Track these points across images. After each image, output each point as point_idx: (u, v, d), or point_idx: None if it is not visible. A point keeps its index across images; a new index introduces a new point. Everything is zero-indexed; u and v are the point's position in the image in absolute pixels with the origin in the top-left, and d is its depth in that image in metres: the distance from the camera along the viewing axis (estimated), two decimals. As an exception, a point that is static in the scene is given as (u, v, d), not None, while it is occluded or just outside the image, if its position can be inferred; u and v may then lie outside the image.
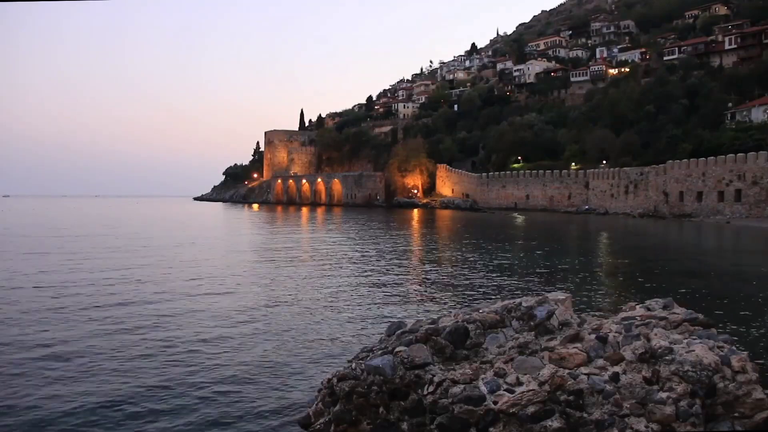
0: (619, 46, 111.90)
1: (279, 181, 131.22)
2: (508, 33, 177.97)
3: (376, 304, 14.87)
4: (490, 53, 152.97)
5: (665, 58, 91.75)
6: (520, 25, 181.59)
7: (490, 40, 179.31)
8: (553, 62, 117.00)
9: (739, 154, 55.12)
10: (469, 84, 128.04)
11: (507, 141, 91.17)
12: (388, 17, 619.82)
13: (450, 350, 4.94)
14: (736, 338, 5.96)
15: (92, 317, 13.02)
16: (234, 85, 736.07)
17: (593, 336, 4.83)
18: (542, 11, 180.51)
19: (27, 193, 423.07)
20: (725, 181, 55.87)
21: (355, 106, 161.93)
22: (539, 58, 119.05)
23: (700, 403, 4.29)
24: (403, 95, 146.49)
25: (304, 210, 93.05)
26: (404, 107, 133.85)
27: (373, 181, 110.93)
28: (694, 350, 4.47)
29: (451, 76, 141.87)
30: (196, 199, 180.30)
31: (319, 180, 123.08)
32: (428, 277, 20.05)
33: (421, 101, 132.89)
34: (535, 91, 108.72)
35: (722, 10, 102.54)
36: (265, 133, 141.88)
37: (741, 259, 27.21)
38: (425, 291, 17.04)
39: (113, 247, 30.35)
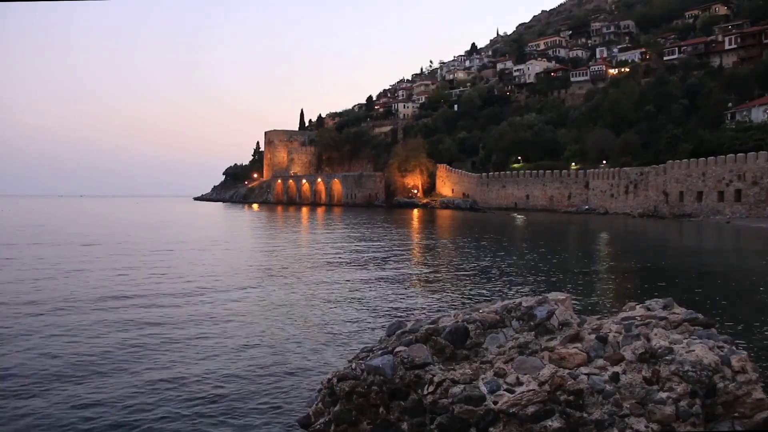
0: (619, 46, 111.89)
1: (279, 181, 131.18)
2: (508, 33, 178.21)
3: (376, 304, 14.86)
4: (490, 53, 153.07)
5: (665, 58, 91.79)
6: (520, 25, 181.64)
7: (490, 40, 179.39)
8: (553, 62, 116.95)
9: (739, 154, 55.12)
10: (469, 84, 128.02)
11: (507, 141, 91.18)
12: (388, 18, 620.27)
13: (450, 350, 4.93)
14: (736, 338, 5.95)
15: (94, 312, 13.02)
16: (234, 85, 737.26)
17: (593, 336, 4.83)
18: (542, 11, 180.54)
19: (19, 192, 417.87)
20: (725, 181, 55.87)
21: (355, 106, 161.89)
22: (539, 58, 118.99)
23: (700, 403, 4.29)
24: (403, 95, 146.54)
25: (304, 210, 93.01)
26: (404, 107, 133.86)
27: (373, 181, 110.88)
28: (694, 350, 4.47)
29: (451, 76, 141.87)
30: (196, 199, 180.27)
31: (319, 180, 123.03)
32: (428, 277, 20.05)
33: (421, 101, 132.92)
34: (535, 91, 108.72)
35: (722, 10, 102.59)
36: (265, 133, 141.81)
37: (741, 259, 27.19)
38: (425, 291, 17.04)
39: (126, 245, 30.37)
